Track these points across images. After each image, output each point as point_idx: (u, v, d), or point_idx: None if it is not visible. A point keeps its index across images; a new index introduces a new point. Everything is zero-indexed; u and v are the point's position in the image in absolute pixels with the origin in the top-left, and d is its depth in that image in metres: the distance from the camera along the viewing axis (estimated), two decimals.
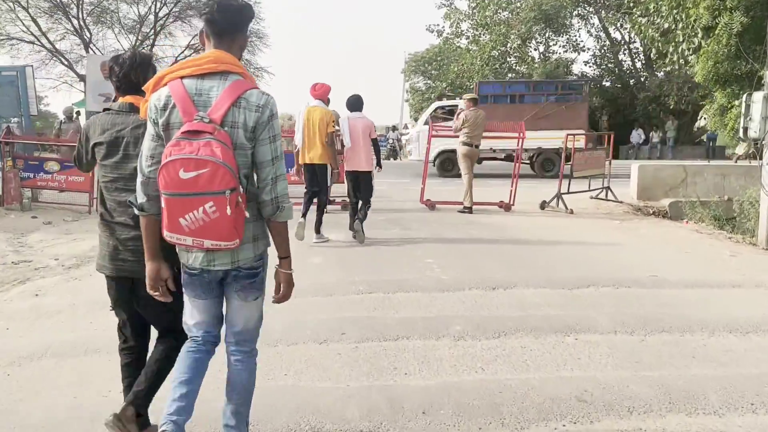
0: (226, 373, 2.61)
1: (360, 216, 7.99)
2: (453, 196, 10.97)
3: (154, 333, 2.97)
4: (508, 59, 28.09)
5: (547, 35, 27.18)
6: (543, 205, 10.83)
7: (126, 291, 2.79)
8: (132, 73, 2.81)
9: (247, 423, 2.65)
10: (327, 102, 7.88)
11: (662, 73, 24.76)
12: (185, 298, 2.55)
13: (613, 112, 26.19)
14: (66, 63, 25.55)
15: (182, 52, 25.64)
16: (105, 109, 2.87)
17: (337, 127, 7.84)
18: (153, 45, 25.95)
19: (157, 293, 2.49)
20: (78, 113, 17.40)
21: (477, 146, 10.42)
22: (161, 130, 2.36)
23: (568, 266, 6.59)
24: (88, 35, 25.46)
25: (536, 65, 26.80)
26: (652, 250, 7.71)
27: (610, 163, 12.06)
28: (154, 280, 2.47)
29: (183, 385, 2.48)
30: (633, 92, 26.55)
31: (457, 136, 10.39)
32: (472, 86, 24.09)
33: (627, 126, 25.69)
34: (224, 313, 2.59)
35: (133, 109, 2.76)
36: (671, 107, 24.29)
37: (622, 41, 28.31)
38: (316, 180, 7.81)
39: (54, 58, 25.28)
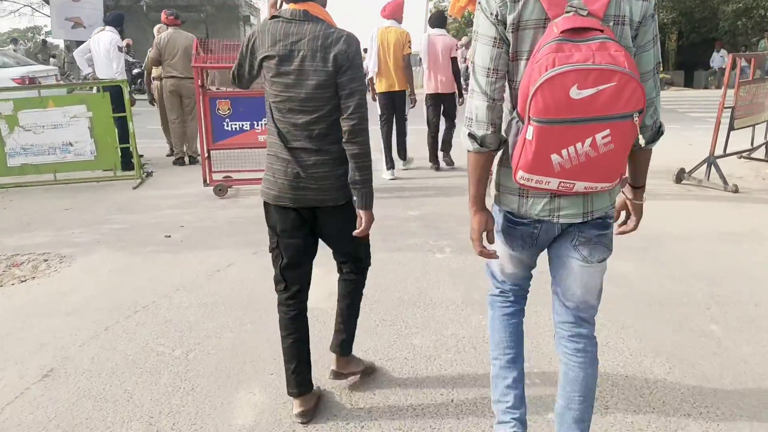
0: (560, 367, 2.14)
1: (445, 142, 7.45)
2: None
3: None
4: None
5: None
6: (681, 177, 6.89)
7: (304, 221, 2.55)
8: None
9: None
10: (400, 21, 7.16)
11: None
12: (498, 245, 2.09)
13: (686, 28, 23.53)
14: None
15: None
16: (273, 17, 2.45)
17: (413, 49, 7.16)
18: None
19: (481, 248, 2.04)
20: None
21: None
22: (508, 31, 1.78)
23: None
24: None
25: None
26: None
27: None
28: (480, 233, 2.02)
29: (511, 367, 2.20)
30: (714, 4, 23.36)
31: None
32: None
33: (703, 46, 22.93)
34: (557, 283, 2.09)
35: (309, 17, 2.39)
36: None
37: None
38: (394, 110, 7.18)
39: None
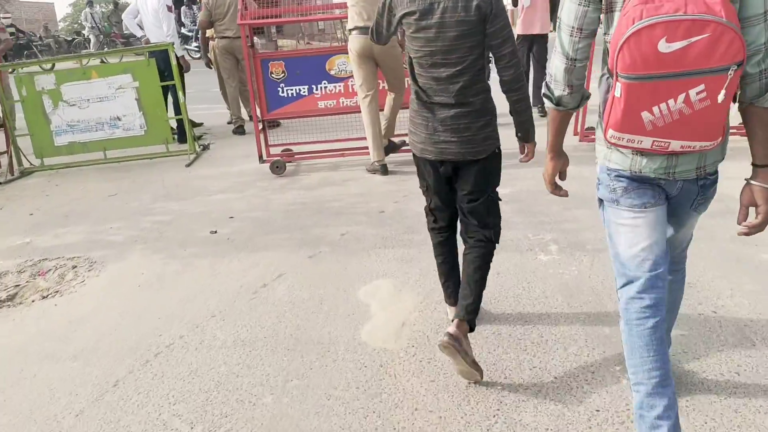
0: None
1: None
2: None
3: None
4: None
5: None
6: None
7: (445, 176, 2.61)
8: None
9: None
10: None
11: None
12: (616, 223, 1.92)
13: None
14: None
15: None
16: None
17: None
18: None
19: (554, 189, 2.12)
20: None
21: None
22: None
23: None
24: None
25: None
26: None
27: None
28: (554, 175, 2.10)
29: (660, 393, 1.81)
30: None
31: None
32: None
33: None
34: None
35: None
36: None
37: None
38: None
39: None
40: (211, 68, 8.36)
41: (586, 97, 1.86)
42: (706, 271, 3.26)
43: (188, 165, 6.52)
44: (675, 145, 1.67)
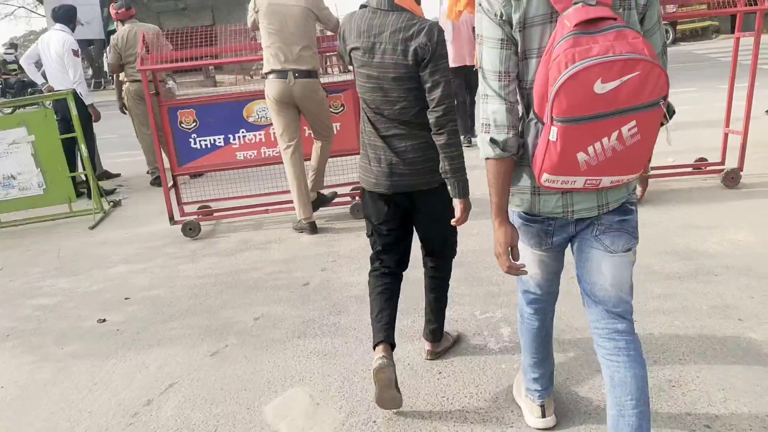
0: (603, 372, 1.92)
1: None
2: None
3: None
4: None
5: None
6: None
7: (401, 208, 2.57)
8: None
9: None
10: None
11: None
12: (520, 244, 1.95)
13: None
14: None
15: None
16: (362, 6, 2.49)
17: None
18: None
19: (509, 263, 1.90)
20: None
21: None
22: (515, 31, 1.70)
23: None
24: None
25: None
26: None
27: None
28: (506, 246, 1.87)
29: (540, 363, 2.28)
30: None
31: None
32: None
33: None
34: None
35: (393, 7, 2.38)
36: None
37: None
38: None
39: None
40: (125, 113, 7.60)
41: (522, 143, 1.78)
42: (688, 360, 2.69)
43: (92, 227, 5.73)
44: (606, 181, 1.71)
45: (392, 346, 2.49)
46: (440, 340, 2.89)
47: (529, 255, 2.03)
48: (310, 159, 5.01)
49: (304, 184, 4.79)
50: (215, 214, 5.42)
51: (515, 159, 1.78)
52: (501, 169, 1.78)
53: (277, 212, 5.26)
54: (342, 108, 5.20)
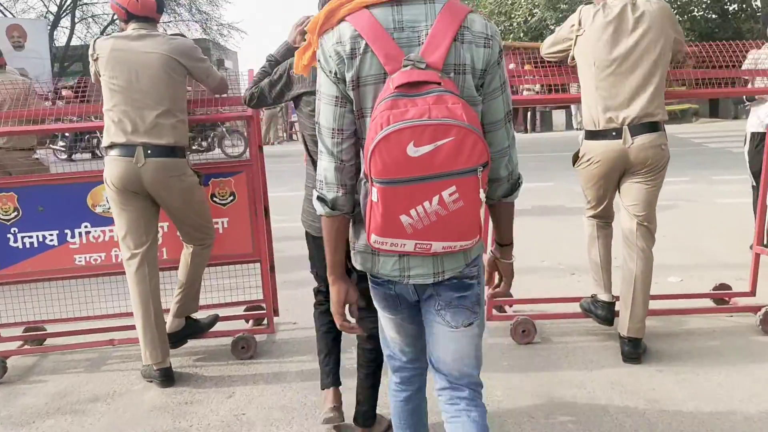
0: None
1: None
2: None
3: None
4: None
5: None
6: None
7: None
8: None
9: None
10: None
11: None
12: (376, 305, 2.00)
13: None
14: None
15: None
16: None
17: None
18: None
19: (343, 321, 1.87)
20: None
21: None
22: (348, 89, 1.69)
23: None
24: None
25: None
26: None
27: None
28: (341, 305, 1.85)
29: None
30: (737, 23, 21.70)
31: None
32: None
33: None
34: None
35: None
36: None
37: None
38: None
39: None
40: None
41: (357, 202, 1.76)
42: None
43: None
44: (437, 246, 1.67)
45: (339, 386, 2.69)
46: (372, 425, 2.69)
47: (384, 318, 1.98)
48: (177, 269, 3.49)
49: (156, 314, 3.23)
50: (40, 347, 3.80)
51: (348, 217, 1.77)
52: (333, 227, 1.77)
53: (126, 344, 3.66)
54: (231, 198, 3.71)
